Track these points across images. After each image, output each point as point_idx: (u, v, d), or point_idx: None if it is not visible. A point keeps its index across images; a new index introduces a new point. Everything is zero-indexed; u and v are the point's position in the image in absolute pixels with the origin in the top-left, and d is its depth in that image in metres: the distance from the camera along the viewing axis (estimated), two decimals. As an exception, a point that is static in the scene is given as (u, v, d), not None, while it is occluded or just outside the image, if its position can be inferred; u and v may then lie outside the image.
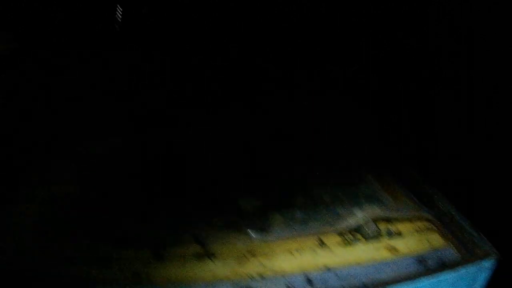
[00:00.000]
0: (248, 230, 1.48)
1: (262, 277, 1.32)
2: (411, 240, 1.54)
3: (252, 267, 1.35)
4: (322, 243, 1.49)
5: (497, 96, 1.95)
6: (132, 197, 1.64)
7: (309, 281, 1.31)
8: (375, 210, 1.62)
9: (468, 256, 1.43)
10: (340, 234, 1.54)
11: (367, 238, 1.53)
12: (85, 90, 2.44)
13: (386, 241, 1.53)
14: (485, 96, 2.02)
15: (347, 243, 1.51)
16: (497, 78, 1.95)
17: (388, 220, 1.63)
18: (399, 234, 1.57)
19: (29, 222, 1.48)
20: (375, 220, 1.60)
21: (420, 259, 1.43)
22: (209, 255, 1.38)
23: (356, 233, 1.55)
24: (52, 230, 1.44)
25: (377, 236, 1.54)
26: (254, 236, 1.47)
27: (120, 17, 2.66)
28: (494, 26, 1.96)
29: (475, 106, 2.08)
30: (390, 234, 1.57)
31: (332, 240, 1.51)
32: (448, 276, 1.32)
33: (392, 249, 1.49)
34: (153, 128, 2.30)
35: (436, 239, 1.56)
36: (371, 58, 2.80)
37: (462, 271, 1.34)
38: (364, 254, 1.46)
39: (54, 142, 2.07)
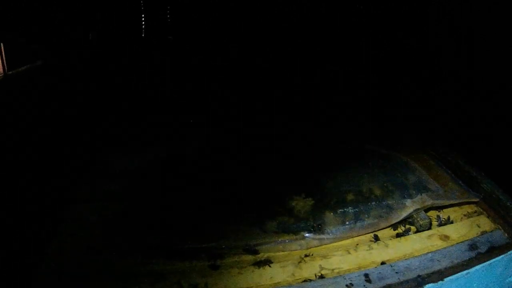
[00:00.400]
0: (303, 232, 1.47)
1: (321, 278, 1.31)
2: (461, 226, 1.56)
3: (310, 269, 1.35)
4: (376, 238, 1.50)
5: (497, 96, 1.95)
6: (180, 209, 1.62)
7: (367, 277, 1.31)
8: (424, 199, 1.61)
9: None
10: (393, 227, 1.55)
11: (419, 228, 1.54)
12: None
13: (437, 230, 1.54)
14: (485, 96, 2.02)
15: (400, 235, 1.52)
16: (497, 78, 1.96)
17: (438, 207, 1.64)
18: (449, 221, 1.58)
19: (80, 240, 1.46)
20: (426, 209, 1.61)
21: (472, 245, 1.44)
22: (266, 261, 1.37)
23: (408, 225, 1.56)
24: (102, 247, 1.42)
25: (428, 225, 1.55)
26: (309, 238, 1.45)
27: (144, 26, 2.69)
28: (494, 26, 1.97)
29: (475, 106, 2.08)
30: (440, 222, 1.57)
31: (385, 234, 1.52)
32: (499, 259, 1.32)
33: (444, 237, 1.50)
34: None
35: (484, 223, 1.57)
36: (371, 58, 2.81)
37: (513, 253, 1.35)
38: (417, 245, 1.46)
39: (96, 158, 2.06)
